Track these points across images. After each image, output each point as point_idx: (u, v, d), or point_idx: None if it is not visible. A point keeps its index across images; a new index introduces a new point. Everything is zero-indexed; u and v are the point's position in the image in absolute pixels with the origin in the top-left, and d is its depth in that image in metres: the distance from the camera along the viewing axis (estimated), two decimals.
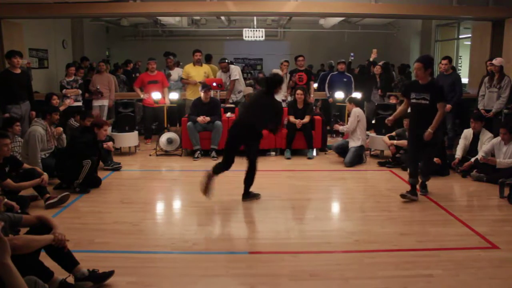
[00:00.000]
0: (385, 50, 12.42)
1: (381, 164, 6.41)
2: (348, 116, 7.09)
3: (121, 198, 4.92)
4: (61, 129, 5.95)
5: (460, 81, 7.23)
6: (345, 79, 8.42)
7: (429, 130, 4.56)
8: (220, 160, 6.68)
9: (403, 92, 5.13)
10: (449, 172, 5.92)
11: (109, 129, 7.37)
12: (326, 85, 8.55)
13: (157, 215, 4.62)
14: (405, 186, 5.39)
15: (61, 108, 6.71)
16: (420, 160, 4.85)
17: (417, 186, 4.90)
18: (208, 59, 9.34)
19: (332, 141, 7.82)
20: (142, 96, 7.83)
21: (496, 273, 3.14)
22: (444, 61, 7.11)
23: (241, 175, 5.96)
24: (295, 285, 3.00)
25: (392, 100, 7.37)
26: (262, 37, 11.69)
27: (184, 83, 7.95)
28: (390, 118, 5.13)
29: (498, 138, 5.62)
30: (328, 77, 8.61)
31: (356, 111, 6.55)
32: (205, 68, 7.98)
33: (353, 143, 6.51)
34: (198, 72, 7.78)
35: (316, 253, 3.49)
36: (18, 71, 6.35)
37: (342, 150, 6.65)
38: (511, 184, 4.92)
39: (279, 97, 7.95)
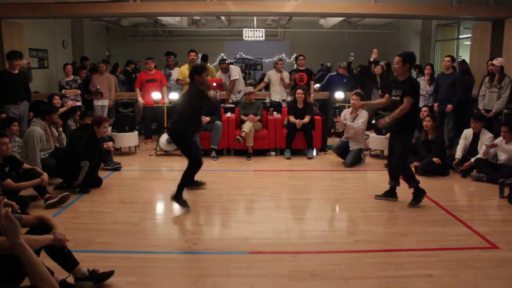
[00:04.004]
0: (385, 50, 12.39)
1: (387, 165, 6.35)
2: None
3: (121, 198, 4.92)
4: (61, 122, 5.95)
5: (462, 81, 7.20)
6: (344, 80, 8.47)
7: (386, 118, 4.44)
8: (218, 160, 6.75)
9: (385, 87, 5.00)
10: (449, 172, 5.92)
11: (109, 128, 7.39)
12: (322, 84, 8.63)
13: (157, 215, 4.62)
14: (405, 186, 5.40)
15: (62, 110, 6.71)
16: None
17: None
18: (204, 59, 9.33)
19: (331, 141, 7.81)
20: (139, 98, 7.81)
21: (496, 273, 3.14)
22: (446, 58, 7.14)
23: (241, 175, 5.99)
24: (295, 285, 3.00)
25: None
26: (262, 37, 11.69)
27: (180, 84, 7.89)
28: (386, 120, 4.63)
29: (500, 138, 5.62)
30: (327, 78, 8.65)
31: (366, 114, 6.56)
32: None
33: (355, 145, 6.51)
34: None
35: (316, 253, 3.49)
36: (16, 71, 6.35)
37: (342, 151, 6.65)
38: (511, 184, 4.92)
39: (278, 97, 7.98)
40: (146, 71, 7.91)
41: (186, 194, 4.91)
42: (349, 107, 7.10)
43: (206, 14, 10.08)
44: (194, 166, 4.63)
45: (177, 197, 4.49)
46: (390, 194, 4.81)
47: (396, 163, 4.69)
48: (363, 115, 6.53)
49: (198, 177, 4.96)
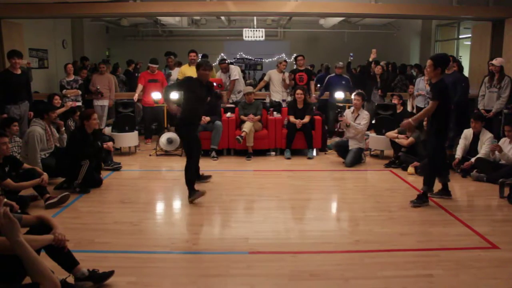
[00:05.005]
0: (385, 50, 12.44)
1: (387, 165, 6.38)
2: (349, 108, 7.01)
3: (121, 198, 4.92)
4: (62, 122, 5.96)
5: (463, 81, 7.21)
6: (343, 82, 8.40)
7: (409, 119, 4.54)
8: (218, 160, 6.75)
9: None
10: (449, 172, 5.90)
11: (109, 129, 7.39)
12: (322, 87, 8.54)
13: (157, 215, 4.62)
14: (405, 186, 5.41)
15: (61, 110, 6.70)
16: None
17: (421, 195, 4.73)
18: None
19: (331, 141, 7.81)
20: (135, 97, 7.79)
21: (496, 273, 3.14)
22: None
23: (241, 175, 5.99)
24: (295, 285, 3.00)
25: (394, 100, 7.38)
26: (262, 37, 11.71)
27: None
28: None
29: (503, 139, 5.63)
30: (326, 79, 8.59)
31: (368, 115, 6.58)
32: None
33: (354, 145, 6.52)
34: (193, 72, 7.71)
35: (316, 253, 3.48)
36: (19, 71, 6.35)
37: (341, 148, 6.66)
38: (511, 184, 4.92)
39: (278, 97, 7.98)
40: (149, 72, 7.91)
41: (185, 195, 4.92)
42: (349, 107, 7.10)
43: (206, 14, 10.09)
44: (190, 161, 4.83)
45: (192, 196, 4.69)
46: (445, 193, 4.84)
47: (428, 163, 4.76)
48: (365, 116, 6.53)
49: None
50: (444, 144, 4.80)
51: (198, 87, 4.85)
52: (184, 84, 5.06)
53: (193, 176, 4.84)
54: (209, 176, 5.57)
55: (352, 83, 8.44)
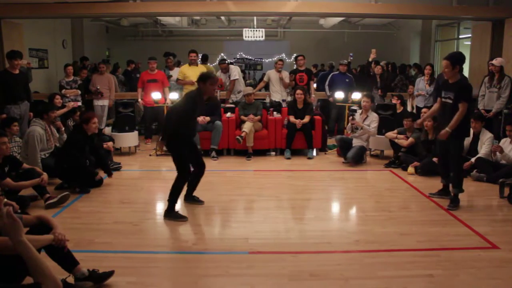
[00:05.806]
0: (385, 50, 12.44)
1: (387, 165, 6.38)
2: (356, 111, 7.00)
3: (121, 198, 4.92)
4: (60, 123, 5.96)
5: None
6: (347, 80, 8.38)
7: (446, 129, 4.42)
8: (218, 160, 6.75)
9: (436, 90, 4.97)
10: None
11: (109, 129, 7.38)
12: (327, 85, 8.50)
13: (157, 215, 4.60)
14: (405, 186, 5.41)
15: (63, 111, 6.70)
16: (448, 163, 4.69)
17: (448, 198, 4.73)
18: (204, 60, 9.30)
19: (331, 141, 7.81)
20: (139, 99, 7.83)
21: (496, 273, 3.14)
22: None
23: (241, 175, 5.99)
24: (295, 285, 3.00)
25: (394, 100, 7.38)
26: (262, 37, 11.71)
27: (180, 84, 7.89)
28: (419, 121, 5.17)
29: (504, 139, 5.63)
30: (329, 77, 8.56)
31: (377, 117, 6.60)
32: (201, 68, 7.85)
33: (359, 143, 6.53)
34: (194, 72, 7.68)
35: (316, 253, 3.49)
36: (17, 71, 6.35)
37: (345, 144, 6.65)
38: (511, 184, 4.92)
39: (278, 97, 7.98)
40: (148, 71, 7.91)
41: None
42: (349, 107, 7.10)
43: (206, 14, 10.10)
44: (181, 179, 4.31)
45: (169, 212, 4.26)
46: (445, 193, 4.80)
47: (454, 166, 4.65)
48: (375, 118, 6.54)
49: (198, 191, 4.77)
50: (462, 144, 4.72)
51: (200, 104, 4.34)
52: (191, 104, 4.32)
53: (177, 198, 4.32)
54: (202, 202, 4.70)
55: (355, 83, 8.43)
